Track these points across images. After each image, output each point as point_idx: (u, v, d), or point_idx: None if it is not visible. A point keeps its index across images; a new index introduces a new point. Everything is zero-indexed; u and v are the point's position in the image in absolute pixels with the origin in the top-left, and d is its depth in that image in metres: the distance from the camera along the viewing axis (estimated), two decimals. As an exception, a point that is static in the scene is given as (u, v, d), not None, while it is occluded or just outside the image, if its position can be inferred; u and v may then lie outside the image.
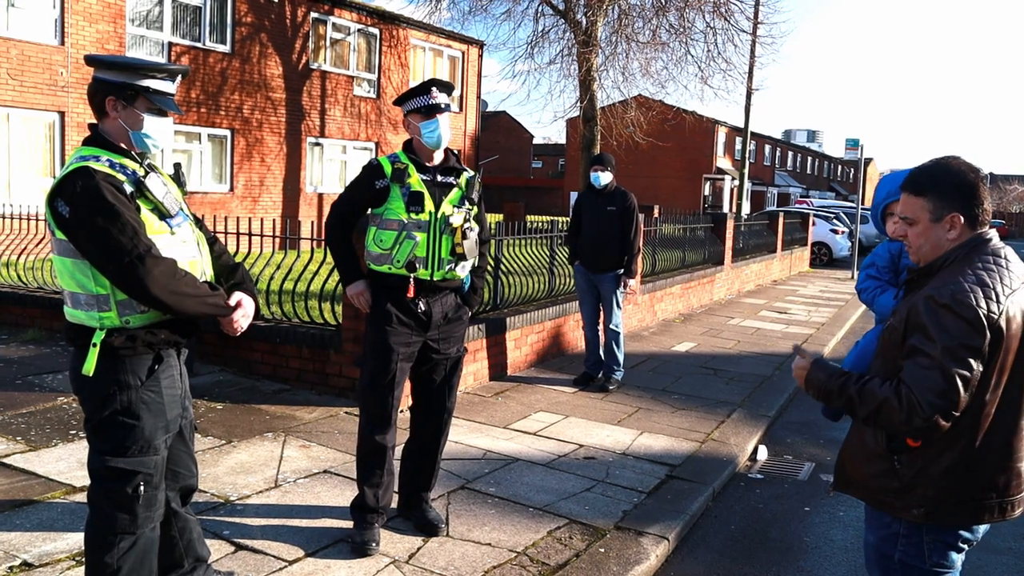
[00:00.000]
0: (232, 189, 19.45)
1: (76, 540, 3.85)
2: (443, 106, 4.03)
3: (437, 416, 4.30)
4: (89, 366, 2.80)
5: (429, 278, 4.02)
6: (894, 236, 3.14)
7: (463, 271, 4.16)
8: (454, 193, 4.07)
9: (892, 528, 2.52)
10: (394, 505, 4.40)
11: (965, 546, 2.52)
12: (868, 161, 73.66)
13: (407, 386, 5.29)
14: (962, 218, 2.40)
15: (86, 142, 2.93)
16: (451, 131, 4.14)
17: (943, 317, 2.27)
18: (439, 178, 4.07)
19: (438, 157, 4.11)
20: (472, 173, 4.22)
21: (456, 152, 4.27)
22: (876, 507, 2.56)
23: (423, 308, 4.07)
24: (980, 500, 2.41)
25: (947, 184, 2.42)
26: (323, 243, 7.18)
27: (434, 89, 4.04)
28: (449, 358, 4.26)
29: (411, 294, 4.01)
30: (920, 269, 2.51)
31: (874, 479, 2.52)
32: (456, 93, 26.73)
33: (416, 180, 4.01)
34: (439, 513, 4.44)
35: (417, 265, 3.98)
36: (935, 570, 2.49)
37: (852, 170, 78.30)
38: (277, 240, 8.20)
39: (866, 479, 2.55)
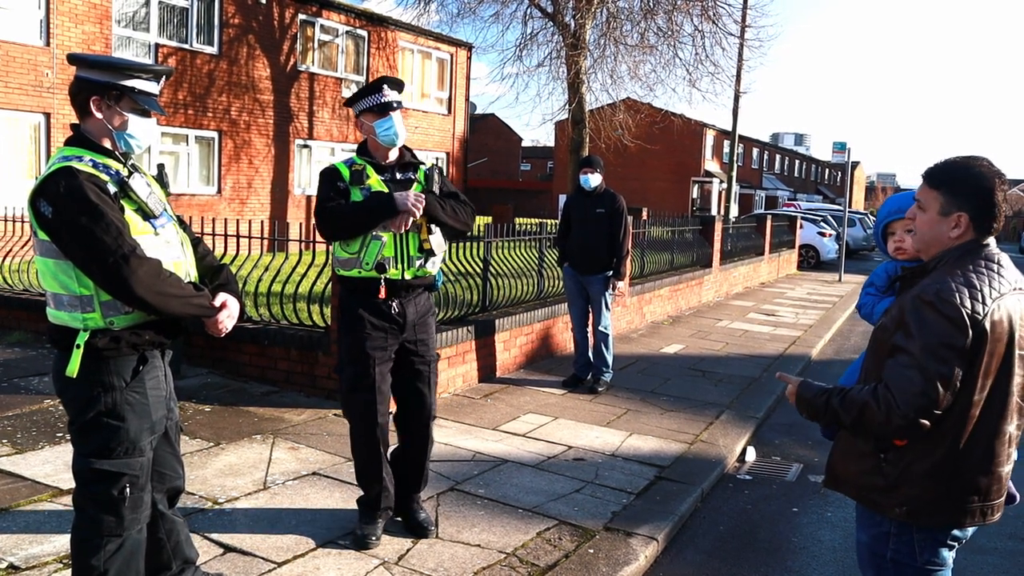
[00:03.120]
0: (220, 191, 19.37)
1: (63, 543, 3.83)
2: (395, 104, 4.01)
3: (423, 421, 4.28)
4: (73, 367, 2.78)
5: (400, 277, 4.00)
6: (894, 254, 3.17)
7: (434, 267, 4.14)
8: (414, 188, 4.04)
9: (883, 527, 2.53)
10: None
11: (955, 544, 2.53)
12: (855, 164, 74.07)
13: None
14: (968, 218, 2.40)
15: (68, 142, 2.91)
16: (405, 129, 4.10)
17: (925, 314, 2.29)
18: (398, 175, 4.05)
19: (393, 155, 4.09)
20: (429, 165, 4.18)
21: (410, 148, 4.24)
22: (865, 505, 2.58)
23: (397, 309, 4.04)
24: (963, 502, 2.42)
25: (963, 183, 2.40)
26: (311, 244, 7.20)
27: (385, 87, 4.01)
28: (430, 361, 4.25)
29: (383, 295, 3.98)
30: (914, 269, 2.52)
31: (861, 476, 2.53)
32: (444, 95, 26.73)
33: (375, 180, 3.99)
34: (429, 515, 4.43)
35: (387, 265, 3.96)
36: (927, 568, 2.50)
37: (839, 173, 78.64)
38: (265, 242, 8.17)
39: (854, 476, 2.57)
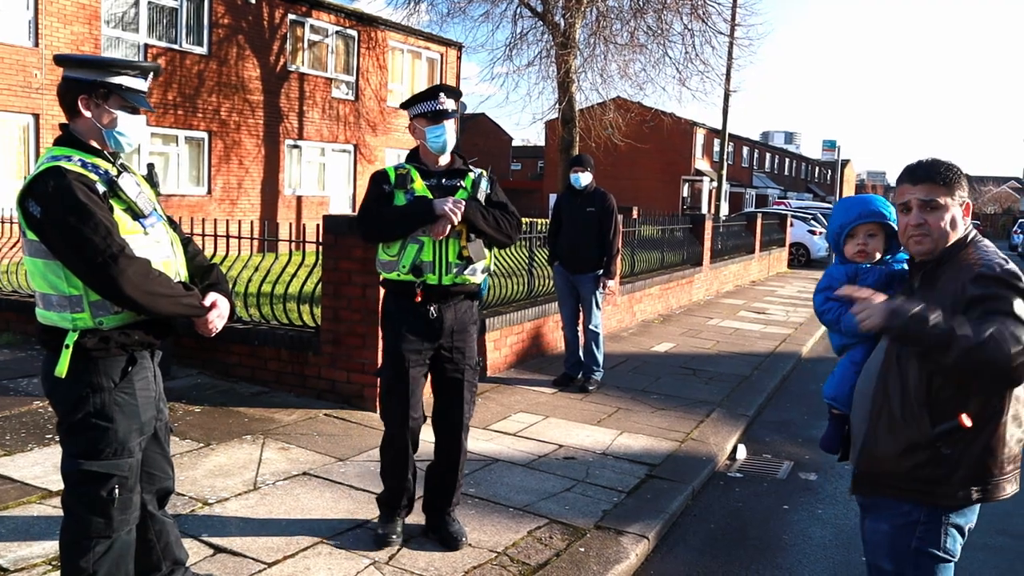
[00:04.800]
0: (210, 192, 19.31)
1: (52, 545, 3.80)
2: (450, 111, 3.99)
3: (455, 431, 4.21)
4: (62, 368, 2.77)
5: (438, 283, 3.97)
6: (853, 258, 3.17)
7: (475, 275, 4.06)
8: (458, 195, 4.01)
9: (912, 516, 2.55)
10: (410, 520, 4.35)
11: (965, 535, 2.60)
12: (845, 162, 74.16)
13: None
14: (970, 205, 2.63)
15: (57, 142, 2.90)
16: (456, 136, 4.07)
17: (999, 290, 2.38)
18: (444, 181, 4.04)
19: (444, 161, 4.08)
20: (479, 172, 4.15)
21: (463, 154, 4.22)
22: (916, 500, 2.55)
23: (434, 315, 4.00)
24: (1009, 471, 2.50)
25: (960, 177, 2.62)
26: (301, 244, 7.17)
27: (442, 95, 3.99)
28: (464, 369, 4.17)
29: (418, 299, 3.96)
30: (932, 260, 2.60)
31: (916, 470, 2.52)
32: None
33: (420, 185, 3.98)
34: (462, 526, 4.30)
35: (424, 270, 3.94)
36: (944, 556, 2.56)
37: (830, 171, 78.88)
38: (255, 242, 8.15)
39: (906, 472, 2.54)
